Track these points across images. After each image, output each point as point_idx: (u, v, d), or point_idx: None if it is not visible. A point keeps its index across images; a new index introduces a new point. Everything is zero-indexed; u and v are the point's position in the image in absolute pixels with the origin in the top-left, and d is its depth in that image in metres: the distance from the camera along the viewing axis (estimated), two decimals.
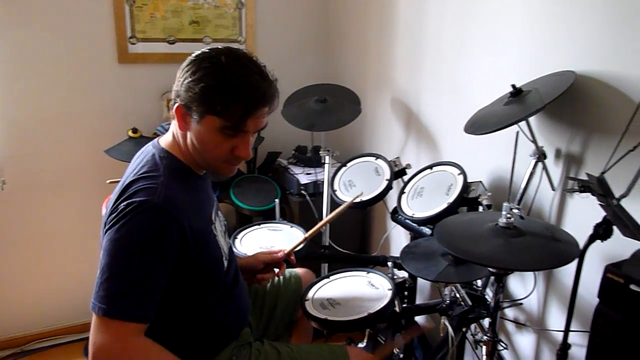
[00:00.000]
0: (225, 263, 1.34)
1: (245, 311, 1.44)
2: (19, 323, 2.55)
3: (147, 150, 1.28)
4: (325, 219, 1.67)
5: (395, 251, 2.51)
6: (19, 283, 2.50)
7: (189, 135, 1.21)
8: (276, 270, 1.59)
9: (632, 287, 0.88)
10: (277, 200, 2.29)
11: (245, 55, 1.19)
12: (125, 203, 1.11)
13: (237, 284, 1.39)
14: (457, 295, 1.66)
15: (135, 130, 2.31)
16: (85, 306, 2.56)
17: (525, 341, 1.84)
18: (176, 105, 1.18)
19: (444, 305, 1.66)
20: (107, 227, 1.13)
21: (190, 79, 1.14)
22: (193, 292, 1.25)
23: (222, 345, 1.36)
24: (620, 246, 1.26)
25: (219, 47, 1.20)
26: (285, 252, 1.59)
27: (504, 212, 1.29)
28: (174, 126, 1.26)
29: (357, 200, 1.67)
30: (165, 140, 1.28)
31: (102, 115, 2.43)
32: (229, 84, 1.13)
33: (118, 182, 2.17)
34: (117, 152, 2.25)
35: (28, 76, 2.29)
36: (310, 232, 1.66)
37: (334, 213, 1.65)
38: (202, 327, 1.29)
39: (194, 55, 1.19)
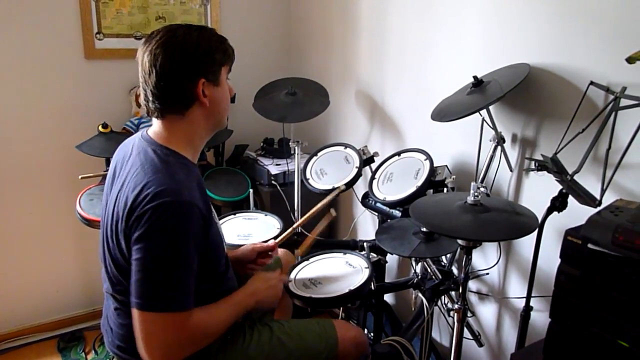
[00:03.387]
0: (225, 248, 1.42)
1: None
2: None
3: (139, 148, 1.29)
4: (313, 209, 1.75)
5: (363, 236, 2.64)
6: None
7: (209, 106, 1.29)
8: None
9: (590, 245, 1.03)
10: (251, 190, 2.37)
11: None
12: (150, 206, 1.14)
13: (228, 268, 1.47)
14: (429, 270, 1.81)
15: (105, 126, 2.32)
16: (56, 303, 2.61)
17: (487, 310, 2.02)
18: (201, 81, 1.25)
19: (416, 280, 1.80)
20: (134, 230, 1.16)
21: (203, 51, 1.27)
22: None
23: None
24: (567, 219, 1.44)
25: (160, 29, 1.28)
26: (277, 240, 1.72)
27: (472, 191, 1.43)
28: (173, 121, 1.29)
29: (340, 185, 1.79)
30: (159, 136, 1.30)
31: (71, 112, 2.42)
32: (220, 37, 1.34)
33: (90, 177, 2.24)
34: (88, 148, 2.25)
35: None
36: (300, 221, 1.75)
37: (321, 203, 1.74)
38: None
39: (169, 38, 1.24)
